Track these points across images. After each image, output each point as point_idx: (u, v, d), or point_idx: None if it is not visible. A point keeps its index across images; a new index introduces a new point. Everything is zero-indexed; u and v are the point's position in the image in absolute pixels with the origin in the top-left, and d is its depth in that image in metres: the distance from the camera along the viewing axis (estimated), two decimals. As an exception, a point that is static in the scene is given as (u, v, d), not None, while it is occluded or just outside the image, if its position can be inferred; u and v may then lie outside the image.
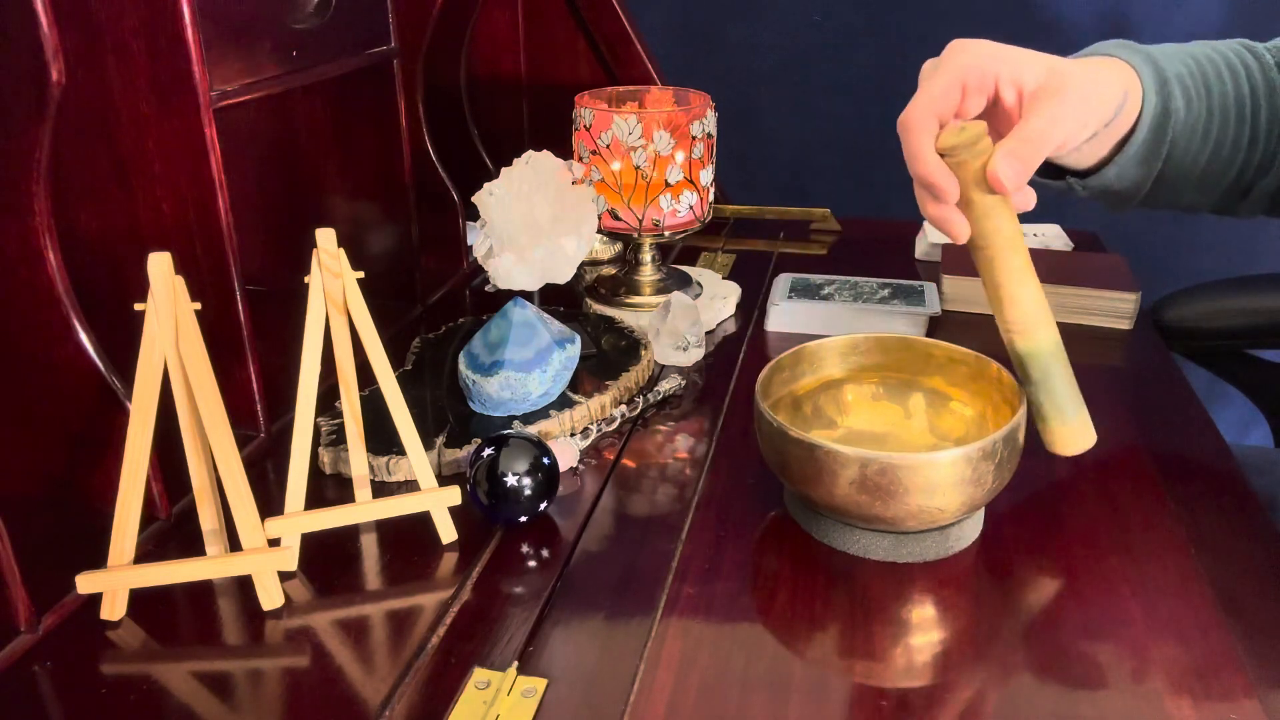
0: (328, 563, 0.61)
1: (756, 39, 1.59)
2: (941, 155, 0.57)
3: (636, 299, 0.96)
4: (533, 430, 0.73)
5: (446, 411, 0.76)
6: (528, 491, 0.63)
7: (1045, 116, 0.57)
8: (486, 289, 1.03)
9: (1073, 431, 0.61)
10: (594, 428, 0.75)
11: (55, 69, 0.53)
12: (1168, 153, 0.66)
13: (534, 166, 0.83)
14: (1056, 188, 0.70)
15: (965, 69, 0.58)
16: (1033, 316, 0.59)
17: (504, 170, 0.84)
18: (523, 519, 0.64)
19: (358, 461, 0.64)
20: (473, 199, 0.84)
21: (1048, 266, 0.99)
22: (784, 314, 0.94)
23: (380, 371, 0.62)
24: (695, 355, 0.87)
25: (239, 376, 0.71)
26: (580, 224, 0.84)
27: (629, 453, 0.74)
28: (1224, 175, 0.68)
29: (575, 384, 0.79)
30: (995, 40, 0.60)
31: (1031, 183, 0.72)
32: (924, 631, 0.55)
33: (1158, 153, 0.65)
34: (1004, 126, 0.60)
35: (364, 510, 0.63)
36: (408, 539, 0.63)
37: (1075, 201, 0.71)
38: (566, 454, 0.70)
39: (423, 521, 0.63)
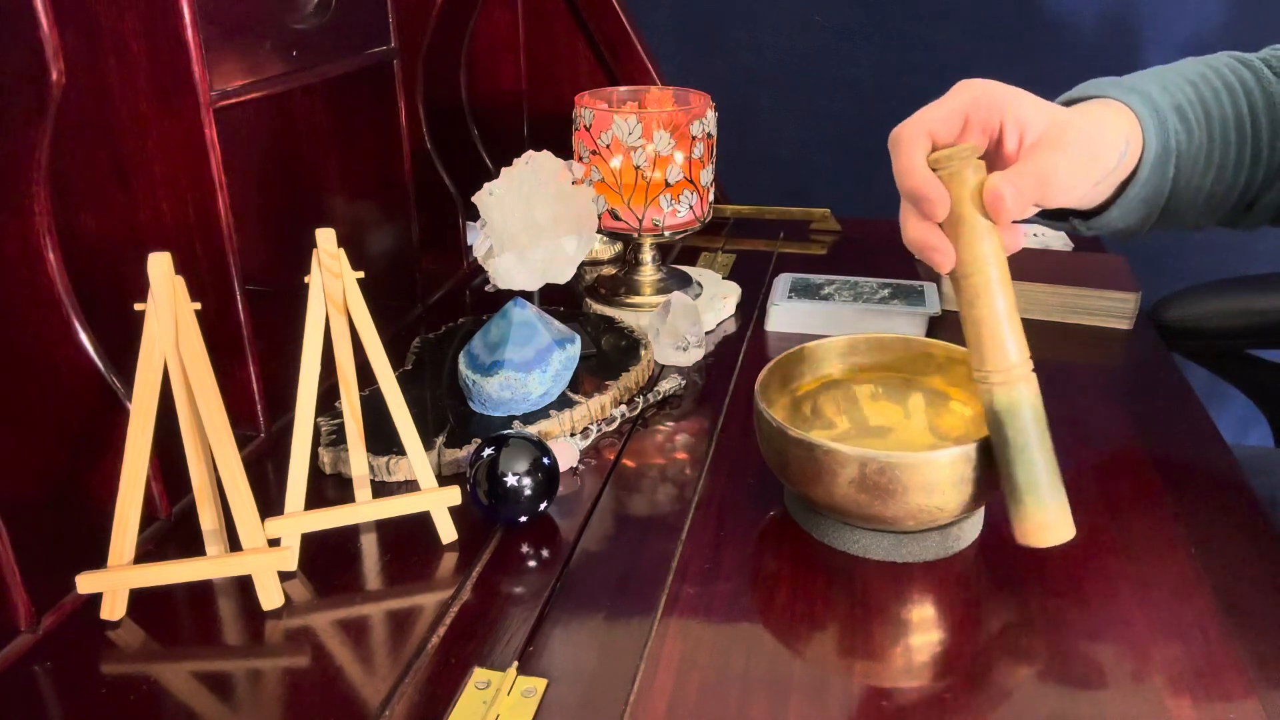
0: (328, 563, 0.61)
1: (756, 39, 1.59)
2: (933, 169, 0.52)
3: (636, 299, 0.96)
4: (533, 430, 0.73)
5: (446, 411, 0.76)
6: (528, 491, 0.63)
7: (1048, 161, 0.54)
8: (486, 289, 1.03)
9: (1049, 518, 0.53)
10: (594, 428, 0.75)
11: (55, 69, 0.53)
12: (1171, 188, 0.64)
13: (534, 166, 0.83)
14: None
15: (971, 101, 0.54)
16: (1018, 365, 0.53)
17: (504, 170, 0.84)
18: (523, 519, 0.64)
19: (358, 461, 0.64)
20: (473, 199, 0.84)
21: (1048, 266, 0.99)
22: (784, 314, 0.94)
23: (380, 371, 0.62)
24: (695, 355, 0.87)
25: (239, 376, 0.71)
26: (580, 224, 0.84)
27: (629, 453, 0.74)
28: (1228, 196, 0.67)
29: (575, 384, 0.79)
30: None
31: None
32: (924, 631, 0.55)
33: (1161, 190, 0.64)
34: (1000, 169, 0.56)
35: (364, 510, 0.63)
36: (408, 539, 0.63)
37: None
38: (566, 454, 0.70)
39: (423, 521, 0.63)
